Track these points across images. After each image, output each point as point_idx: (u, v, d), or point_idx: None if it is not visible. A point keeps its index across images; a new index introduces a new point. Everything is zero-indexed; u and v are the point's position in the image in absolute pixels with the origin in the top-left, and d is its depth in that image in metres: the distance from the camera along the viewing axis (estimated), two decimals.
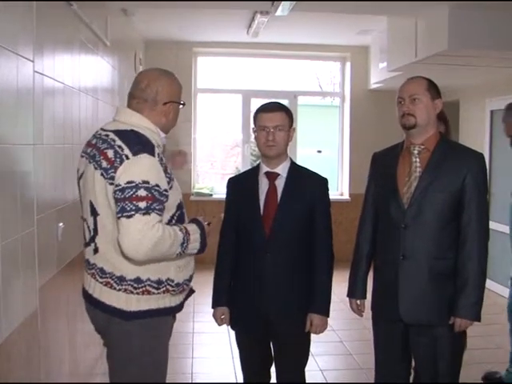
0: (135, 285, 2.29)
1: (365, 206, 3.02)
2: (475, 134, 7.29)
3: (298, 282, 2.91)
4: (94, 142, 2.35)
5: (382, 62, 7.22)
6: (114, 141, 2.26)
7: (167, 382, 2.60)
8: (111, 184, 2.21)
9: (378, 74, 7.55)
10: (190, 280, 2.48)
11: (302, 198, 2.91)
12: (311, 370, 4.54)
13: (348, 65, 8.53)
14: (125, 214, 2.13)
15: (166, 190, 2.25)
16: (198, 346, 5.07)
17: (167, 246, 2.21)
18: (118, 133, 2.29)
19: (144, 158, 2.20)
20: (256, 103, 8.62)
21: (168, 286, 2.36)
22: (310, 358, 4.80)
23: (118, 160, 2.20)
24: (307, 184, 2.95)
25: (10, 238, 2.35)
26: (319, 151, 8.89)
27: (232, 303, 2.98)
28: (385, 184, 2.87)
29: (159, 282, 2.33)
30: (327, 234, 2.96)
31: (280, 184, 2.91)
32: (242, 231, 2.95)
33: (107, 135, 2.30)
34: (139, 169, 2.19)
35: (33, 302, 2.68)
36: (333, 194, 8.63)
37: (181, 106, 2.52)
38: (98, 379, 4.06)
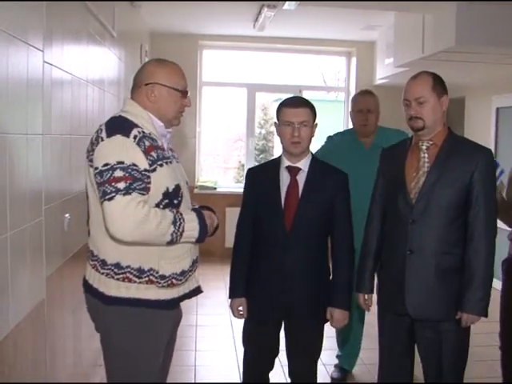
0: (116, 270, 2.30)
1: (373, 201, 3.02)
2: (481, 131, 7.28)
3: (318, 275, 2.94)
4: None
5: (388, 58, 7.20)
6: (100, 126, 2.31)
7: (169, 374, 2.61)
8: (91, 166, 2.26)
9: (384, 70, 7.53)
10: (182, 275, 2.39)
11: (323, 193, 2.91)
12: None
13: (354, 60, 8.51)
14: (106, 197, 2.16)
15: (146, 170, 2.24)
16: (201, 338, 5.08)
17: (154, 224, 2.18)
18: (108, 120, 2.35)
19: (116, 138, 2.22)
20: (261, 97, 8.62)
21: (151, 277, 2.31)
22: None
23: (95, 142, 2.26)
24: (328, 179, 2.95)
25: (19, 228, 2.35)
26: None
27: (249, 295, 2.99)
28: (393, 179, 2.88)
29: (141, 271, 2.30)
30: (348, 230, 2.96)
31: (301, 179, 2.92)
32: (262, 224, 2.94)
33: (100, 125, 2.34)
34: (112, 149, 2.21)
35: (40, 292, 2.68)
36: None
37: (182, 95, 2.47)
38: (101, 370, 4.07)
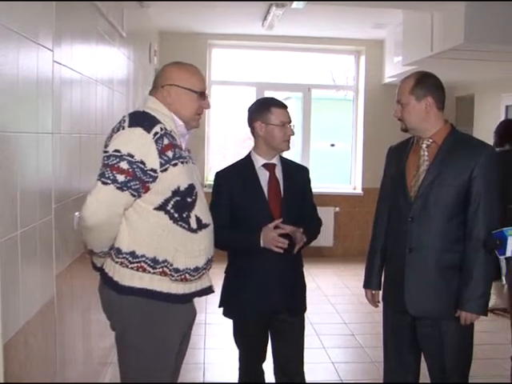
0: (130, 258, 2.34)
1: (380, 199, 3.05)
2: (490, 129, 7.23)
3: (301, 267, 3.16)
4: None
5: (396, 56, 7.19)
6: (124, 117, 2.38)
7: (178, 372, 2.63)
8: (103, 151, 2.34)
9: (393, 68, 7.53)
10: (195, 271, 2.41)
11: (298, 185, 3.11)
12: (323, 362, 4.58)
13: (363, 58, 8.51)
14: (102, 179, 2.24)
15: (153, 170, 2.29)
16: (210, 337, 5.11)
17: (113, 230, 2.32)
18: (132, 112, 2.42)
19: (136, 130, 2.29)
20: (270, 96, 8.60)
21: (165, 269, 2.36)
22: (322, 351, 4.84)
23: (116, 131, 2.33)
24: (297, 172, 3.18)
25: (29, 226, 2.37)
26: (332, 145, 8.88)
27: (237, 295, 3.07)
28: (395, 177, 2.91)
29: (155, 261, 2.35)
30: (316, 211, 3.22)
31: (279, 174, 3.07)
32: (247, 224, 2.98)
33: (124, 115, 2.40)
34: (128, 140, 2.28)
35: (50, 290, 2.70)
36: (346, 188, 8.70)
37: (199, 96, 2.52)
38: (111, 368, 4.09)
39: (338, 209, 8.30)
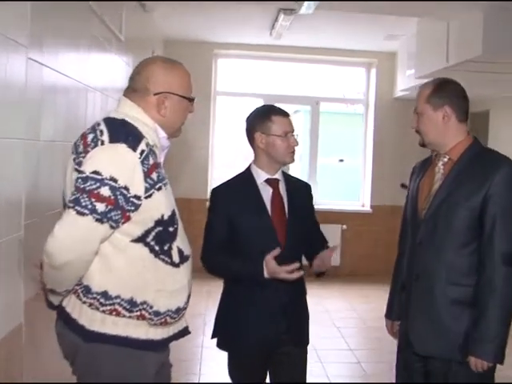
0: (102, 300, 1.96)
1: (404, 219, 2.71)
2: (506, 147, 6.94)
3: (304, 295, 2.92)
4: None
5: (409, 69, 6.97)
6: (98, 125, 1.98)
7: None
8: (76, 170, 1.93)
9: (405, 82, 7.29)
10: (176, 313, 2.07)
11: (303, 203, 2.86)
12: None
13: (373, 71, 8.26)
14: (77, 208, 1.83)
15: (136, 197, 1.91)
16: (207, 362, 4.75)
17: (84, 268, 1.93)
18: (108, 119, 2.03)
19: (120, 147, 1.90)
20: None
21: (144, 312, 1.99)
22: (325, 379, 4.54)
23: (92, 144, 1.92)
24: (300, 189, 2.92)
25: None
26: (341, 160, 8.62)
27: (236, 324, 2.75)
28: (411, 197, 2.60)
29: (132, 304, 1.98)
30: (320, 230, 2.98)
31: (282, 190, 2.79)
32: (247, 245, 2.69)
33: (98, 122, 2.02)
34: (111, 160, 1.89)
35: (17, 317, 2.39)
36: (354, 205, 8.40)
37: (190, 102, 2.19)
38: None
39: (345, 226, 7.98)
